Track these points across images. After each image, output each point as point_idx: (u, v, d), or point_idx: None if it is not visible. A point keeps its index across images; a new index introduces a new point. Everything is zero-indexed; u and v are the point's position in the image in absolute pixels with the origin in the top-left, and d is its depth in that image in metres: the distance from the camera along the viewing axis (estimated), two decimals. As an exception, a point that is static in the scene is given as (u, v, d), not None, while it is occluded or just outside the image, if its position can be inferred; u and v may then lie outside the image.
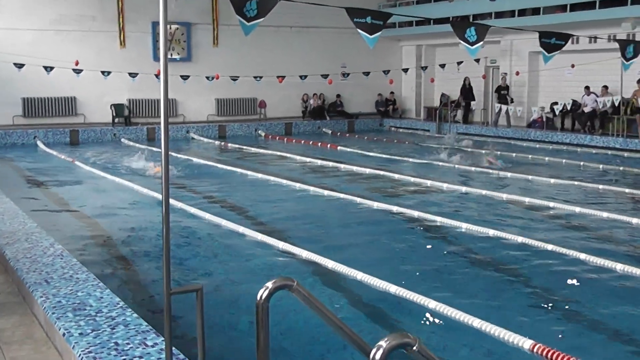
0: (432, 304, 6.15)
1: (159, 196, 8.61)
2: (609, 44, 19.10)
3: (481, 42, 8.91)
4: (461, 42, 8.95)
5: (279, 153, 19.40)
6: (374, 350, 2.55)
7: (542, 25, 19.16)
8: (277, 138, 24.35)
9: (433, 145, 21.53)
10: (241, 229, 9.42)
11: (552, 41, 9.47)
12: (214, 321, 5.72)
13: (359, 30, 8.08)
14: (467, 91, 26.90)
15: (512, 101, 25.02)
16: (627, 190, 13.06)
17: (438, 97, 29.30)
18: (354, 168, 16.09)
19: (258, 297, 3.36)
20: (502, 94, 25.25)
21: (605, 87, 21.96)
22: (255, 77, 24.69)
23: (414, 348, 2.60)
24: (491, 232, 9.26)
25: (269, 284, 3.39)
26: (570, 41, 22.03)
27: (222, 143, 22.50)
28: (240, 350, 5.31)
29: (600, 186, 13.41)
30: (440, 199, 12.33)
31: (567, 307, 6.61)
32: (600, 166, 16.84)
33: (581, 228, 10.10)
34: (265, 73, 25.00)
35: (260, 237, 9.01)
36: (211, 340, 4.68)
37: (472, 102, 27.07)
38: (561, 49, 9.57)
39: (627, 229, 9.93)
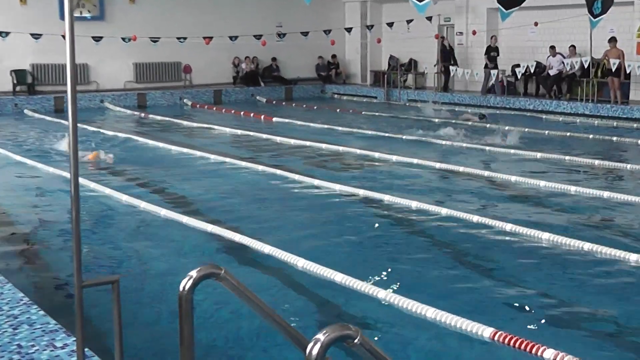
0: (381, 293, 6.20)
1: (68, 175, 8.47)
2: (576, 0, 19.35)
3: (431, -1, 8.93)
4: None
5: (207, 125, 19.26)
6: (310, 345, 2.53)
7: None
8: (206, 107, 24.16)
9: (383, 115, 21.69)
10: (164, 211, 9.35)
11: (510, -4, 9.59)
12: (134, 316, 5.68)
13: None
14: (447, 53, 25.93)
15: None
16: (596, 162, 13.33)
17: (386, 60, 29.42)
18: (292, 141, 16.10)
19: (181, 288, 3.34)
20: (493, 56, 24.55)
21: (573, 47, 22.24)
22: (178, 39, 24.30)
23: (356, 341, 2.59)
24: (444, 211, 9.35)
25: (193, 273, 3.36)
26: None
27: (142, 114, 22.23)
28: (164, 347, 5.29)
29: (567, 157, 13.69)
30: (388, 175, 12.42)
31: (528, 291, 6.73)
32: (568, 134, 17.14)
33: (545, 204, 10.31)
34: (191, 34, 24.56)
35: (186, 219, 8.96)
36: (131, 337, 4.66)
37: (453, 67, 25.47)
38: (521, 4, 9.66)
39: (597, 205, 10.15)
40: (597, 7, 10.67)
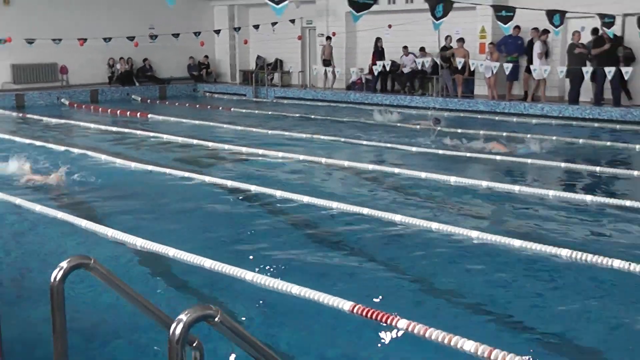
0: (248, 275, 6.22)
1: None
2: (424, 4, 19.78)
3: (286, 2, 8.96)
4: (267, 1, 8.99)
5: (83, 123, 18.78)
6: (174, 325, 2.56)
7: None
8: (83, 106, 23.51)
9: (253, 111, 21.75)
10: (38, 207, 9.05)
11: (361, 0, 9.79)
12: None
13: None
14: (379, 54, 24.41)
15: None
16: (440, 152, 13.69)
17: (254, 59, 29.47)
18: (165, 137, 15.92)
19: (52, 279, 3.27)
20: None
21: (423, 48, 22.87)
22: (54, 40, 23.62)
23: (216, 319, 2.63)
24: (306, 199, 9.44)
25: (64, 264, 3.30)
26: (387, 1, 22.84)
27: (21, 114, 21.49)
28: (38, 338, 5.16)
29: (414, 148, 14.05)
30: (257, 167, 12.46)
31: (385, 267, 6.91)
32: (417, 126, 17.62)
33: (400, 189, 10.60)
34: (66, 35, 23.87)
35: (60, 215, 8.70)
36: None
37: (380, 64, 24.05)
38: (370, 8, 9.90)
39: (445, 188, 10.51)
40: (439, 10, 11.01)
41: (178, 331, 2.56)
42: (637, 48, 19.06)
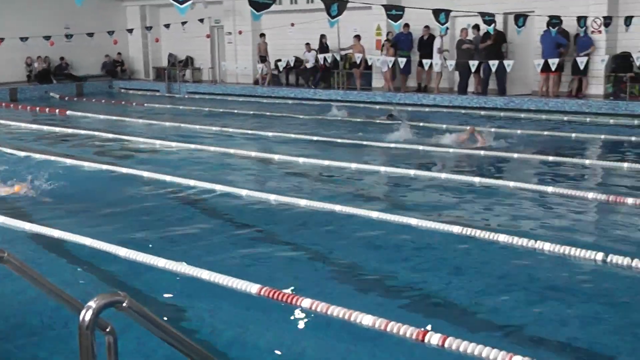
0: (161, 262, 6.13)
1: None
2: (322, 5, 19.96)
3: (190, 2, 8.84)
4: (172, 0, 8.85)
5: (2, 121, 18.18)
6: (83, 312, 2.50)
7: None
8: (3, 105, 22.69)
9: (166, 106, 21.50)
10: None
11: (260, 0, 9.79)
12: None
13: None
14: (323, 49, 23.03)
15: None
16: (339, 140, 13.79)
17: (166, 57, 29.09)
18: (82, 132, 15.53)
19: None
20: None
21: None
22: (-31, 40, 22.77)
23: (124, 304, 2.59)
24: (218, 187, 9.36)
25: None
26: (289, 1, 22.88)
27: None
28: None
29: (315, 138, 14.09)
30: (170, 158, 12.31)
31: (292, 250, 6.91)
32: (319, 117, 17.74)
33: (304, 176, 10.66)
34: (-18, 35, 23.06)
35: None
36: None
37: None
38: (269, 7, 9.91)
39: (347, 174, 10.65)
40: (334, 9, 11.08)
41: (88, 317, 2.51)
42: (518, 44, 19.71)
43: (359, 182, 10.16)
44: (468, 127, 13.47)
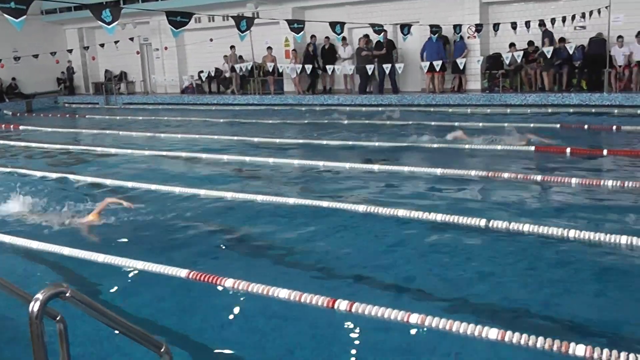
0: (100, 257, 6.02)
1: None
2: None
3: (116, 22, 8.65)
4: (100, 22, 8.65)
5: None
6: (32, 303, 2.48)
7: (173, 7, 18.63)
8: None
9: (105, 117, 21.08)
10: None
11: (178, 19, 9.69)
12: None
13: (6, 15, 7.42)
14: (310, 59, 21.42)
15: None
16: (255, 139, 13.74)
17: (103, 73, 28.46)
18: (33, 144, 15.01)
19: None
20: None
21: (240, 56, 22.88)
22: None
23: (67, 295, 2.58)
24: (154, 186, 9.26)
25: None
26: (207, 20, 22.60)
27: None
28: None
29: (235, 138, 14.08)
30: (111, 163, 12.07)
31: (219, 236, 6.89)
32: (237, 120, 17.84)
33: (232, 170, 10.68)
34: (-61, 58, 21.93)
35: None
36: None
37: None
38: (186, 25, 9.81)
39: (268, 167, 10.66)
40: (243, 25, 11.09)
41: (36, 308, 2.49)
42: (407, 49, 20.14)
43: (280, 173, 10.21)
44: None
